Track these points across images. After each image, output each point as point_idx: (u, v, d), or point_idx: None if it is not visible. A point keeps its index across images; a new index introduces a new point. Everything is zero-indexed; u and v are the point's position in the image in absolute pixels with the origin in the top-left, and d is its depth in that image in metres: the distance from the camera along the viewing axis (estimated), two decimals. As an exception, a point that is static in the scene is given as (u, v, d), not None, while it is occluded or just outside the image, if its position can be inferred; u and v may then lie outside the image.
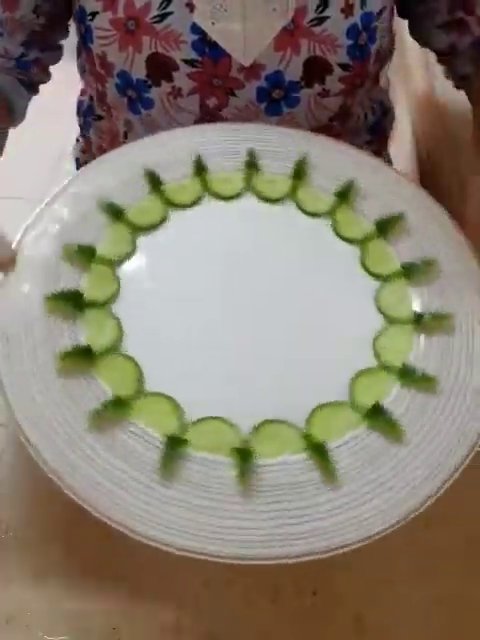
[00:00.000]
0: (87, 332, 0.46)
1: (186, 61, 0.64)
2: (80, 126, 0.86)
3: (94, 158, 0.84)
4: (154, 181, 0.55)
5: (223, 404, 0.44)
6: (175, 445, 0.42)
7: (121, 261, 0.51)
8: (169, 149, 0.58)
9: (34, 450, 0.42)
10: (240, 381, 0.46)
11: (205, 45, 0.63)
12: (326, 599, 0.52)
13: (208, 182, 0.56)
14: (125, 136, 0.75)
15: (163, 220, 0.54)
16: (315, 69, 0.65)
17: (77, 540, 0.54)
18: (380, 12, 0.65)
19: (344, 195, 0.55)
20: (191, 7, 0.61)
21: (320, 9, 0.62)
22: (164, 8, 0.62)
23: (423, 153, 0.97)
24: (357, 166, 0.57)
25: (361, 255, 0.52)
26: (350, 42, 0.64)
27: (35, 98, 0.74)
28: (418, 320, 0.49)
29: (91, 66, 0.70)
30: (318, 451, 0.43)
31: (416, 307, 0.49)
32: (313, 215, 0.55)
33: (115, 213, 0.53)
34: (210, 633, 0.51)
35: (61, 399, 0.43)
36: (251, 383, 0.46)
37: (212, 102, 0.67)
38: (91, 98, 0.79)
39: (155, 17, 0.62)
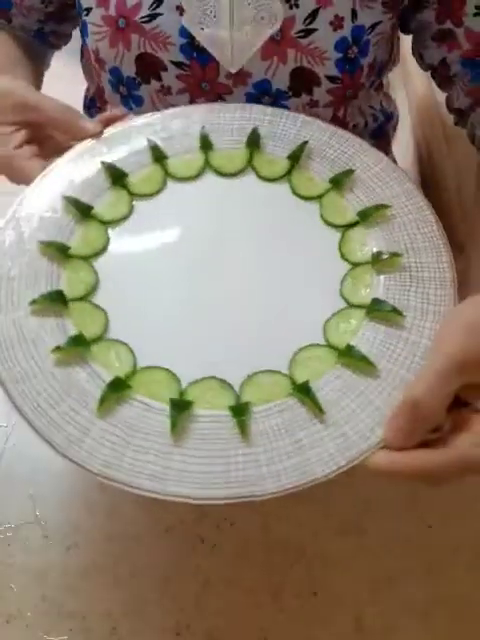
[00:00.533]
0: (66, 280, 0.51)
1: (174, 63, 0.64)
2: None
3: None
4: (157, 154, 0.58)
5: (174, 357, 0.48)
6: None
7: (116, 222, 0.55)
8: (176, 124, 0.61)
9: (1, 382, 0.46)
10: (196, 339, 0.49)
11: (193, 49, 0.63)
12: (326, 599, 0.52)
13: (211, 158, 0.59)
14: None
15: (161, 189, 0.57)
16: (302, 80, 0.65)
17: (77, 540, 0.54)
18: (373, 26, 0.64)
19: (337, 182, 0.58)
20: (181, 10, 0.62)
21: (308, 21, 0.62)
22: (154, 8, 0.62)
23: (423, 153, 0.97)
24: (354, 154, 0.59)
25: (339, 240, 0.55)
26: (339, 55, 0.63)
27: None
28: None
29: (88, 60, 0.71)
30: (240, 410, 0.46)
31: (374, 294, 0.52)
32: (304, 198, 0.58)
33: (116, 176, 0.57)
34: (210, 633, 0.51)
35: (31, 335, 0.48)
36: (204, 343, 0.49)
37: (202, 102, 0.67)
38: (94, 93, 0.80)
39: (145, 17, 0.62)
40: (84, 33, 0.67)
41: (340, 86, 0.65)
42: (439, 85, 0.72)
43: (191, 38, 0.62)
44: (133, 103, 0.69)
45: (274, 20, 0.61)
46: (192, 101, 0.67)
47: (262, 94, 0.66)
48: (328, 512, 0.56)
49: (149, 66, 0.65)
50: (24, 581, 0.52)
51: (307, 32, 0.62)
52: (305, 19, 0.62)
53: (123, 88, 0.68)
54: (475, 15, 0.64)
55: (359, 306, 0.51)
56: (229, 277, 0.53)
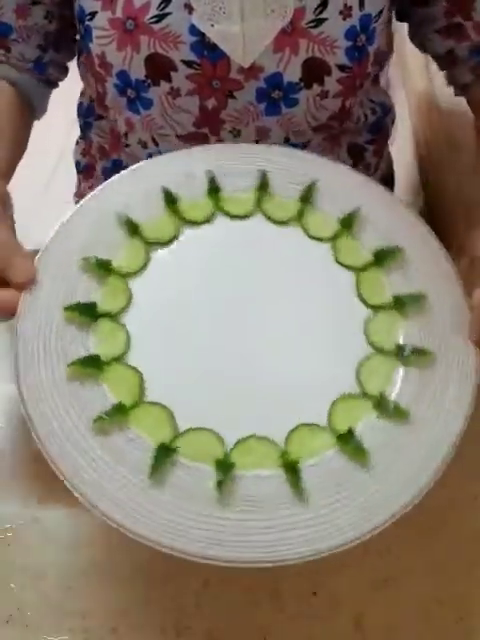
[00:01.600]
0: (98, 341, 0.50)
1: (185, 62, 0.64)
2: (81, 127, 0.86)
3: (95, 160, 0.85)
4: (170, 198, 0.58)
5: (214, 416, 0.48)
6: (165, 453, 0.46)
7: (135, 274, 0.54)
8: (185, 167, 0.60)
9: (42, 446, 0.45)
10: (232, 395, 0.49)
11: (204, 47, 0.63)
12: (326, 599, 0.52)
13: (221, 201, 0.58)
14: (126, 136, 0.75)
15: (176, 236, 0.57)
16: (314, 70, 0.65)
17: (77, 540, 0.54)
18: (379, 13, 0.65)
19: (347, 222, 0.57)
20: (190, 8, 0.61)
21: (318, 11, 0.62)
22: (163, 8, 0.62)
23: (423, 153, 0.97)
24: (363, 193, 0.59)
25: (356, 282, 0.55)
26: (349, 43, 0.64)
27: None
28: (401, 352, 0.51)
29: (91, 66, 0.70)
30: (291, 468, 0.46)
31: (401, 339, 0.52)
32: (317, 239, 0.57)
33: (132, 228, 0.56)
34: (210, 633, 0.51)
35: (70, 402, 0.47)
36: (241, 398, 0.49)
37: (211, 103, 0.67)
38: (91, 99, 0.79)
39: (153, 17, 0.62)
40: (87, 39, 0.66)
41: (350, 75, 0.66)
42: (440, 67, 0.74)
43: (201, 35, 0.62)
44: (141, 106, 0.68)
45: (284, 12, 0.61)
46: (201, 103, 0.67)
47: (273, 88, 0.65)
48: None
49: (159, 67, 0.64)
50: (24, 581, 0.52)
51: (318, 22, 0.62)
52: (315, 9, 0.62)
53: (131, 91, 0.67)
54: None
55: (387, 351, 0.51)
56: (254, 327, 0.53)
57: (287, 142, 0.71)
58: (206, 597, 0.52)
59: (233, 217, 0.58)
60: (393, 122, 0.86)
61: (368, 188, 0.59)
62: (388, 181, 0.93)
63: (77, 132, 0.88)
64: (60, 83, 0.77)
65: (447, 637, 0.50)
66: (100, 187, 0.58)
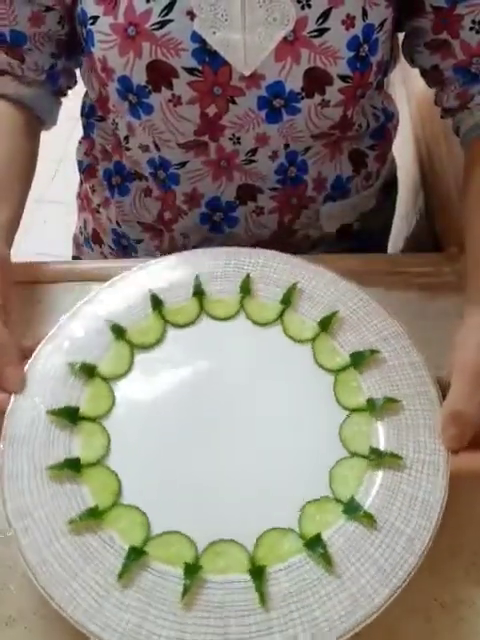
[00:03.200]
0: (80, 443, 0.53)
1: (186, 69, 0.64)
2: (84, 127, 0.86)
3: (97, 161, 0.85)
4: (156, 302, 0.61)
5: (188, 519, 0.50)
6: (135, 555, 0.47)
7: (119, 377, 0.57)
8: (173, 273, 0.63)
9: (16, 540, 0.48)
10: (206, 499, 0.51)
11: (205, 54, 0.63)
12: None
13: (205, 304, 0.61)
14: (126, 140, 0.75)
15: (161, 338, 0.60)
16: (315, 80, 0.65)
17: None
18: (382, 24, 0.65)
19: (325, 325, 0.59)
20: (192, 15, 0.61)
21: (321, 20, 0.62)
22: (165, 15, 0.62)
23: (423, 153, 0.97)
24: (343, 296, 0.61)
25: (334, 384, 0.57)
26: (351, 54, 0.63)
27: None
28: (372, 456, 0.52)
29: (93, 69, 0.70)
30: (257, 574, 0.47)
31: (373, 442, 0.53)
32: (296, 341, 0.59)
33: (118, 333, 0.59)
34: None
35: (50, 506, 0.49)
36: (215, 501, 0.51)
37: (212, 110, 0.67)
38: (94, 101, 0.79)
39: (155, 24, 0.62)
40: (89, 42, 0.66)
41: (351, 85, 0.65)
42: (428, 84, 0.74)
43: (203, 43, 0.62)
44: (142, 111, 0.68)
45: (286, 21, 0.61)
46: (202, 111, 0.67)
47: (274, 97, 0.66)
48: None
49: (160, 73, 0.64)
50: (24, 583, 0.52)
51: (320, 32, 0.62)
52: (318, 19, 0.62)
53: (132, 96, 0.67)
54: (471, 30, 0.64)
55: (360, 455, 0.52)
56: (233, 429, 0.55)
57: (287, 148, 0.71)
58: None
59: (217, 319, 0.61)
60: (396, 128, 0.86)
61: (346, 290, 0.61)
62: (390, 189, 0.93)
63: (80, 131, 0.88)
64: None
65: (447, 637, 0.50)
66: (96, 292, 0.61)
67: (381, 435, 0.53)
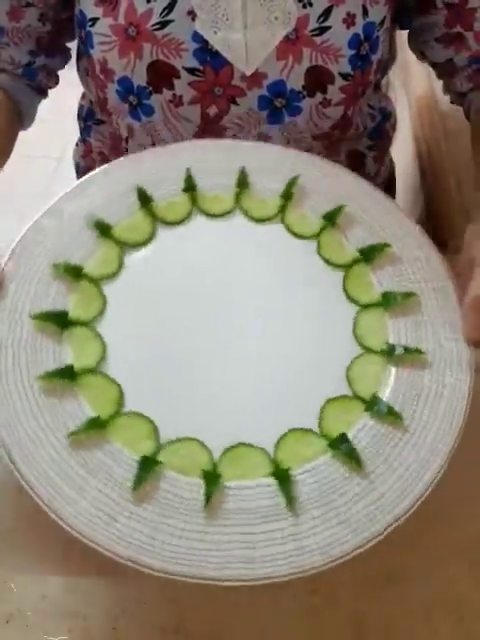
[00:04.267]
0: (71, 351, 0.48)
1: (187, 69, 0.63)
2: (81, 130, 0.86)
3: (94, 163, 0.85)
4: (144, 198, 0.55)
5: (198, 425, 0.46)
6: (148, 466, 0.44)
7: (108, 279, 0.52)
8: (160, 165, 0.57)
9: (16, 469, 0.43)
10: (216, 403, 0.47)
11: (206, 54, 0.63)
12: (326, 599, 0.52)
13: (198, 199, 0.56)
14: (126, 141, 0.74)
15: (151, 237, 0.54)
16: (317, 78, 0.65)
17: (77, 540, 0.54)
18: (382, 22, 0.65)
19: (332, 219, 0.55)
20: (193, 15, 0.61)
21: (322, 19, 0.62)
22: (165, 15, 0.61)
23: (423, 153, 0.97)
24: (349, 190, 0.56)
25: (343, 280, 0.53)
26: (352, 52, 0.64)
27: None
28: (391, 352, 0.49)
29: (92, 71, 0.69)
30: (282, 478, 0.44)
31: (391, 338, 0.50)
32: (300, 237, 0.55)
33: (103, 230, 0.53)
34: (210, 633, 0.51)
35: (43, 417, 0.45)
36: (226, 405, 0.47)
37: (213, 111, 0.66)
38: (91, 102, 0.79)
39: (156, 24, 0.62)
40: (88, 44, 0.66)
41: (352, 83, 0.66)
42: (438, 76, 0.74)
43: (204, 43, 0.62)
44: (142, 113, 0.68)
45: (288, 20, 0.61)
46: (203, 112, 0.66)
47: (276, 96, 0.65)
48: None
49: (161, 74, 0.64)
50: (24, 581, 0.52)
51: (321, 30, 0.62)
52: (319, 17, 0.62)
53: (133, 98, 0.67)
54: None
55: (377, 351, 0.49)
56: (238, 330, 0.50)
57: None
58: (206, 597, 0.52)
59: (211, 216, 0.56)
60: (394, 128, 0.86)
61: (352, 182, 0.57)
62: (389, 188, 0.93)
63: (77, 134, 0.88)
64: (60, 86, 0.76)
65: (447, 637, 0.50)
66: (70, 187, 0.55)
67: (400, 331, 0.50)
